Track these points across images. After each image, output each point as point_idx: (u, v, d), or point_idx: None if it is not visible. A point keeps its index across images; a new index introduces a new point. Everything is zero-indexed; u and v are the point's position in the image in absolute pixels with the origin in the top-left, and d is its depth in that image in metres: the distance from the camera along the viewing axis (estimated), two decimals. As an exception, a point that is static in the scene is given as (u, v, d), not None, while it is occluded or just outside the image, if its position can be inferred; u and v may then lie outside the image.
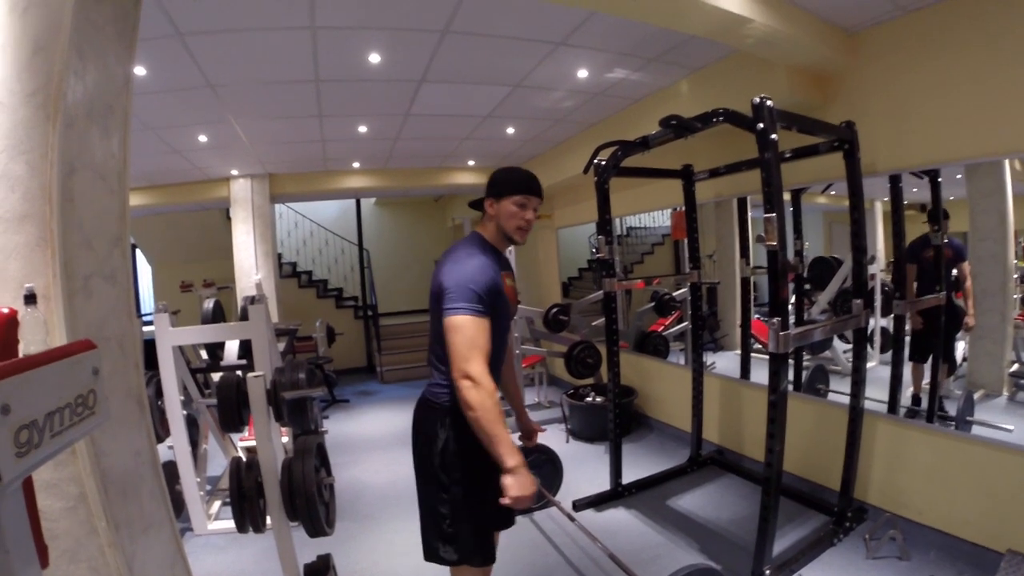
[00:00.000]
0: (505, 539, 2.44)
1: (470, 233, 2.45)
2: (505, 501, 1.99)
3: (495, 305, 2.20)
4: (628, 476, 4.65)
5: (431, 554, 2.35)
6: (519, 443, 2.41)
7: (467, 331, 2.06)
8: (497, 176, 2.38)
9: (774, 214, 2.92)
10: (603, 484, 4.63)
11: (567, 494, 4.44)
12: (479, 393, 1.99)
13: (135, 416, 1.88)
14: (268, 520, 2.69)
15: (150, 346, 4.01)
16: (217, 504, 4.58)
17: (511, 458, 2.00)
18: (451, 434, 2.27)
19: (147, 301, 11.88)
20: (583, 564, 3.65)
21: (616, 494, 4.54)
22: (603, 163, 4.26)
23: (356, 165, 8.10)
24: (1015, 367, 4.44)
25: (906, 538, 3.48)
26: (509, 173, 2.37)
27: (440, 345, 2.26)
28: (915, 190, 4.11)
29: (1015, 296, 4.27)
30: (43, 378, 0.94)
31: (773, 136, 2.92)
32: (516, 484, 1.99)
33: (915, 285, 4.48)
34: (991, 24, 3.21)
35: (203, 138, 5.91)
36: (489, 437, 2.01)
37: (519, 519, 4.17)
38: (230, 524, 2.70)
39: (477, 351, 2.05)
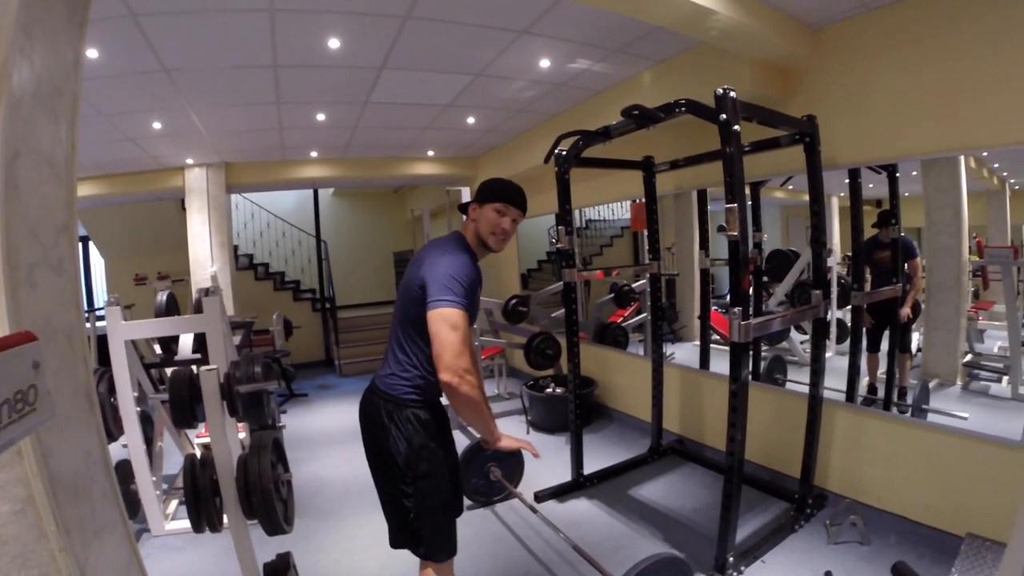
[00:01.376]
0: (467, 531, 2.43)
1: (452, 232, 2.49)
2: (532, 451, 2.54)
3: (472, 302, 2.23)
4: (589, 467, 4.67)
5: (400, 541, 2.39)
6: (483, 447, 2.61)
7: (457, 324, 2.09)
8: (485, 184, 2.45)
9: (735, 205, 2.94)
10: (564, 475, 4.63)
11: (528, 485, 4.42)
12: (471, 386, 2.09)
13: (84, 414, 1.80)
14: (225, 519, 2.62)
15: (103, 341, 3.89)
16: (174, 503, 4.46)
17: (497, 431, 2.42)
18: (412, 428, 2.26)
19: (100, 294, 11.56)
20: (546, 555, 3.64)
21: (578, 485, 4.54)
22: (564, 153, 4.24)
23: (314, 154, 7.98)
24: (968, 357, 4.56)
25: (866, 523, 3.55)
26: (496, 183, 2.44)
27: (408, 334, 2.29)
28: (871, 186, 4.18)
29: (968, 289, 4.38)
30: (-25, 373, 0.87)
31: (736, 127, 2.93)
32: (512, 441, 2.45)
33: (869, 282, 4.58)
34: (950, 24, 3.28)
35: (157, 125, 5.74)
36: (481, 422, 2.31)
37: (481, 511, 4.17)
38: (188, 523, 2.62)
39: (466, 345, 2.10)
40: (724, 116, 2.93)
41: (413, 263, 2.35)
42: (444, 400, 2.36)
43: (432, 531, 2.30)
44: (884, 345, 4.75)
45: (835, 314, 5.59)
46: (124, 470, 3.98)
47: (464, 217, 2.51)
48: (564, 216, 4.29)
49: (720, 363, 4.98)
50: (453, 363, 2.04)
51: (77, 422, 1.75)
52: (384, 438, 2.28)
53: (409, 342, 2.29)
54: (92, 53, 3.82)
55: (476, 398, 2.13)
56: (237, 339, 5.92)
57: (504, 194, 2.38)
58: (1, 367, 0.92)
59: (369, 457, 2.42)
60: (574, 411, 4.50)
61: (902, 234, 4.49)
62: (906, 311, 4.55)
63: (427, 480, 2.26)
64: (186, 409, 2.78)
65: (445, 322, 2.06)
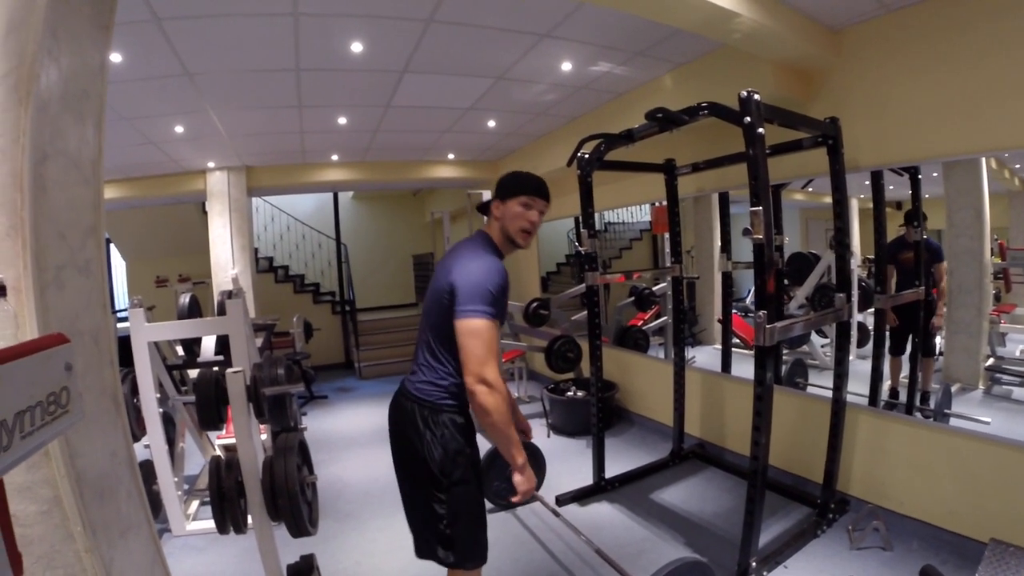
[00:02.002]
0: (489, 535, 2.39)
1: (476, 232, 2.44)
2: (516, 498, 2.24)
3: (502, 308, 2.20)
4: (611, 470, 4.64)
5: (426, 552, 2.32)
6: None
7: (484, 335, 2.06)
8: (504, 179, 2.39)
9: (761, 208, 2.91)
10: (586, 479, 4.60)
11: (550, 489, 4.41)
12: (496, 398, 2.05)
13: (110, 414, 1.81)
14: (249, 520, 2.63)
15: (125, 343, 3.92)
16: (196, 504, 4.49)
17: (521, 456, 2.20)
18: (448, 433, 2.22)
19: (121, 297, 11.68)
20: (568, 559, 3.63)
21: (599, 488, 4.52)
22: (586, 156, 4.23)
23: (335, 158, 8.00)
24: (990, 361, 4.49)
25: (889, 529, 3.50)
26: (515, 176, 2.38)
27: (440, 341, 2.25)
28: (891, 188, 4.14)
29: (990, 292, 4.32)
30: (12, 375, 0.87)
31: (760, 130, 2.91)
32: (526, 480, 2.20)
33: (893, 283, 4.53)
34: (970, 24, 3.25)
35: (179, 129, 5.79)
36: (504, 439, 2.14)
37: (503, 514, 4.17)
38: (209, 524, 2.63)
39: (493, 355, 2.07)
40: (748, 119, 2.90)
41: (441, 268, 2.31)
42: None
43: (466, 538, 2.25)
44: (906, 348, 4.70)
45: (856, 317, 5.54)
46: (146, 470, 4.00)
47: (485, 218, 2.47)
48: (587, 219, 4.27)
49: (741, 367, 4.95)
50: (476, 371, 2.03)
51: (104, 423, 1.76)
52: (418, 443, 2.22)
53: (442, 349, 2.25)
54: (116, 57, 3.85)
55: (493, 409, 2.05)
56: (259, 341, 5.95)
57: (528, 186, 2.33)
58: (35, 369, 0.92)
59: (398, 463, 2.37)
60: (596, 414, 4.48)
61: (926, 236, 4.43)
62: (939, 321, 4.49)
63: (462, 486, 2.23)
64: (212, 411, 2.79)
65: (471, 332, 2.05)
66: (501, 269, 2.21)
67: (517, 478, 2.20)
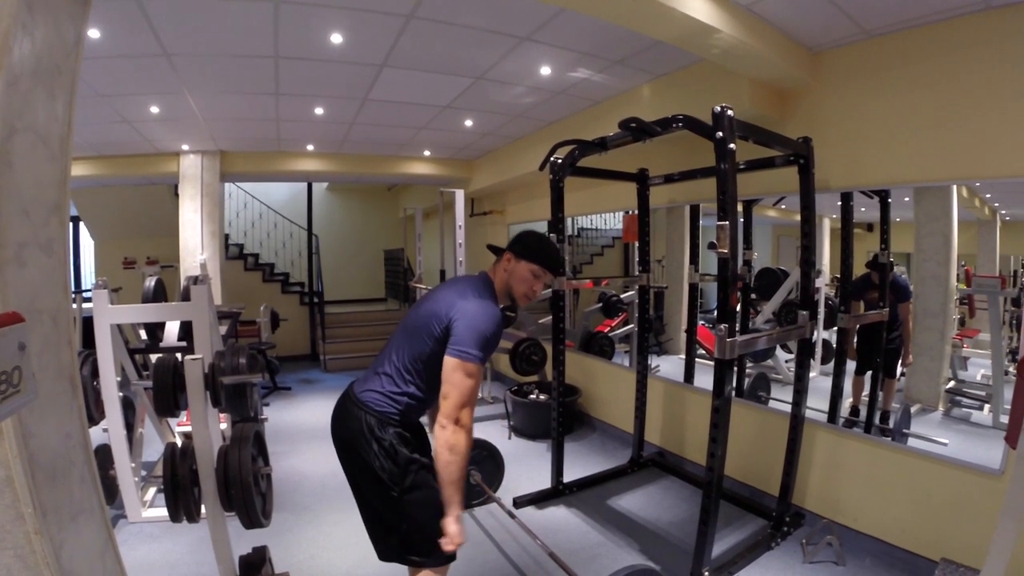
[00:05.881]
0: (445, 535, 2.39)
1: (481, 273, 2.53)
2: (450, 547, 2.21)
3: (491, 352, 2.29)
4: (569, 475, 4.67)
5: (390, 555, 2.32)
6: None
7: (474, 379, 2.16)
8: (528, 238, 2.48)
9: (727, 222, 2.95)
10: (544, 482, 4.63)
11: (508, 491, 4.43)
12: (463, 439, 2.14)
13: (67, 397, 1.79)
14: (203, 509, 2.61)
15: (88, 323, 3.86)
16: (152, 491, 4.43)
17: (459, 507, 2.23)
18: (395, 443, 2.24)
19: (89, 276, 11.46)
20: (523, 561, 3.64)
21: (557, 492, 4.54)
22: (559, 161, 4.25)
23: (310, 148, 7.95)
24: (951, 384, 4.58)
25: (842, 543, 3.58)
26: (541, 242, 2.48)
27: (412, 360, 2.30)
28: (863, 209, 4.21)
29: (954, 316, 4.41)
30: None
31: (731, 145, 2.94)
32: (460, 531, 2.22)
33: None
34: (947, 55, 3.33)
35: (155, 109, 5.71)
36: (454, 482, 2.18)
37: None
38: (165, 512, 2.60)
39: (474, 400, 2.18)
40: (720, 134, 2.93)
41: (439, 296, 2.37)
42: (424, 419, 2.39)
43: (431, 541, 2.23)
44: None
45: (821, 335, 5.62)
46: (103, 455, 3.93)
47: (495, 258, 2.54)
48: (557, 223, 4.29)
49: (704, 378, 5.00)
50: (454, 411, 2.11)
51: (59, 405, 1.74)
52: (366, 451, 2.23)
53: (411, 367, 2.30)
54: (94, 33, 3.79)
55: (456, 449, 2.13)
56: (224, 329, 5.89)
57: (546, 259, 2.44)
58: (-13, 346, 0.91)
59: (347, 468, 2.36)
60: (557, 419, 4.50)
61: (901, 273, 4.51)
62: (909, 359, 4.58)
63: (417, 492, 2.23)
64: (169, 397, 2.75)
65: (464, 374, 2.14)
66: (500, 318, 2.30)
67: (453, 528, 2.20)
